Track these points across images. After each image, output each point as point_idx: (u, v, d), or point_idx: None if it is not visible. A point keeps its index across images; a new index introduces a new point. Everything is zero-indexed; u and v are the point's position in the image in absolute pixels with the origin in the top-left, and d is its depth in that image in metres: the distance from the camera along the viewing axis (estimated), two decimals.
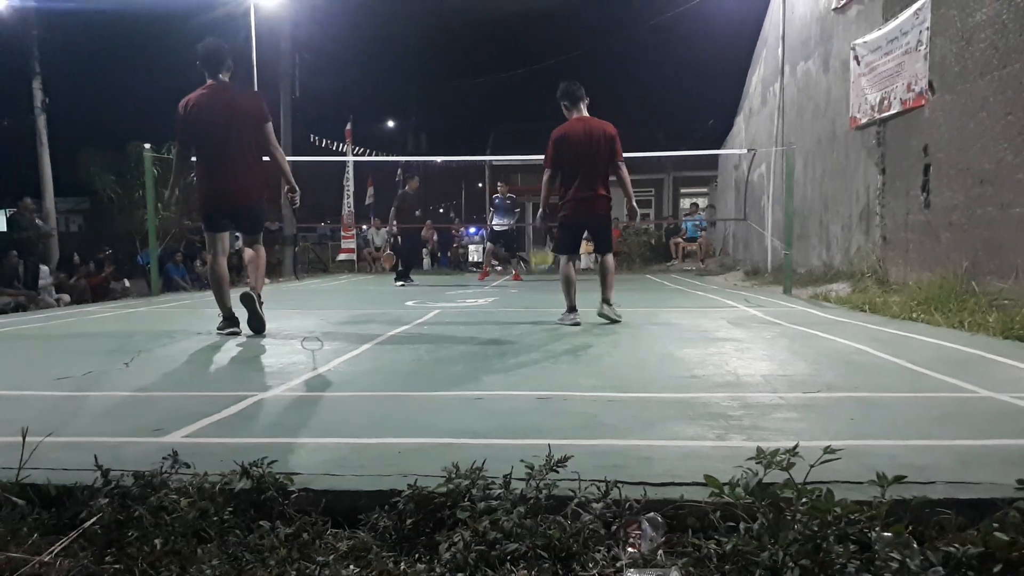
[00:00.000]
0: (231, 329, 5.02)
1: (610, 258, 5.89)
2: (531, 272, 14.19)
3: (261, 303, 5.00)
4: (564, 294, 5.75)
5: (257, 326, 4.96)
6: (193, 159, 5.04)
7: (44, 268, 11.13)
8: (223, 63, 4.86)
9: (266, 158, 5.05)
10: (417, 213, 12.92)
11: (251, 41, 17.23)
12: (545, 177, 5.76)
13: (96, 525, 1.64)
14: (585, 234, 5.93)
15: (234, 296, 5.04)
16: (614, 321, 5.61)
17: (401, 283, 11.53)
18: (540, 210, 5.94)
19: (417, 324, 5.80)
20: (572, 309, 5.67)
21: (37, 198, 15.21)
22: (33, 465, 1.88)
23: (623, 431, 2.46)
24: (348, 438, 2.41)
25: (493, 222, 13.22)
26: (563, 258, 5.95)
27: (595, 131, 5.58)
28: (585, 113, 5.72)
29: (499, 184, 13.62)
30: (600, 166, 5.59)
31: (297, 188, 5.20)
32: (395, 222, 12.01)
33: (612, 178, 5.76)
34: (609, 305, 5.68)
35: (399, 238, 12.57)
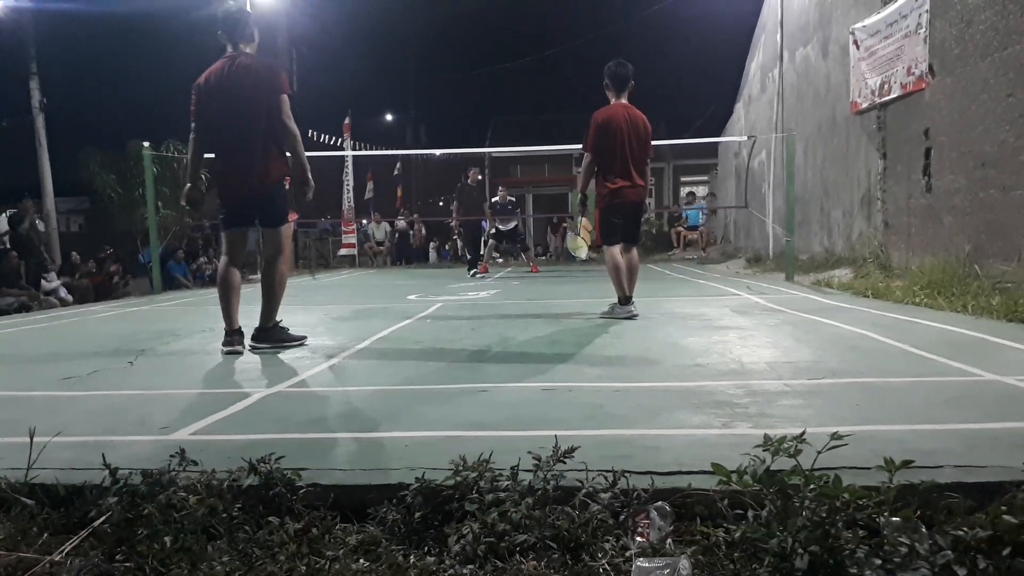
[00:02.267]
0: (232, 348, 4.19)
1: (636, 253, 5.68)
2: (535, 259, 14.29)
3: (275, 336, 4.35)
4: (615, 284, 5.44)
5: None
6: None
7: (53, 274, 11.14)
8: (245, 32, 4.24)
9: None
10: (491, 204, 12.89)
11: None
12: (585, 162, 5.50)
13: (106, 524, 1.64)
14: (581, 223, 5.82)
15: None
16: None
17: (474, 273, 11.66)
18: (579, 195, 5.71)
19: (420, 318, 5.80)
20: (628, 299, 5.40)
21: (37, 198, 15.21)
22: (41, 465, 1.88)
23: (629, 421, 2.46)
24: (355, 432, 2.41)
25: (498, 226, 13.22)
26: (612, 247, 5.49)
27: (637, 119, 5.41)
28: (625, 100, 5.48)
29: (500, 188, 13.60)
30: (639, 155, 5.39)
31: (311, 183, 4.36)
32: (457, 214, 12.22)
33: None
34: (631, 302, 5.50)
35: (462, 230, 12.69)
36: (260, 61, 4.26)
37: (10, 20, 16.14)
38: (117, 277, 12.66)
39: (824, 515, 1.47)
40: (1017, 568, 1.38)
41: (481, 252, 13.24)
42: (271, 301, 4.32)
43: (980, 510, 1.54)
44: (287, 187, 4.43)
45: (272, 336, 4.34)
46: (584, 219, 6.12)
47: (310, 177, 4.35)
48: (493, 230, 12.91)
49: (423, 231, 21.00)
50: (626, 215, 5.51)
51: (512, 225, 13.19)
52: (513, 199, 13.72)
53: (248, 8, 4.47)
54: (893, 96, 7.76)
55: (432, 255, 20.29)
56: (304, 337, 4.49)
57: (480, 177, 12.68)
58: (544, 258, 19.28)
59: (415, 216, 22.29)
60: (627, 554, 1.52)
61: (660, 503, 1.66)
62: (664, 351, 3.91)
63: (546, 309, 6.25)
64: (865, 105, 8.52)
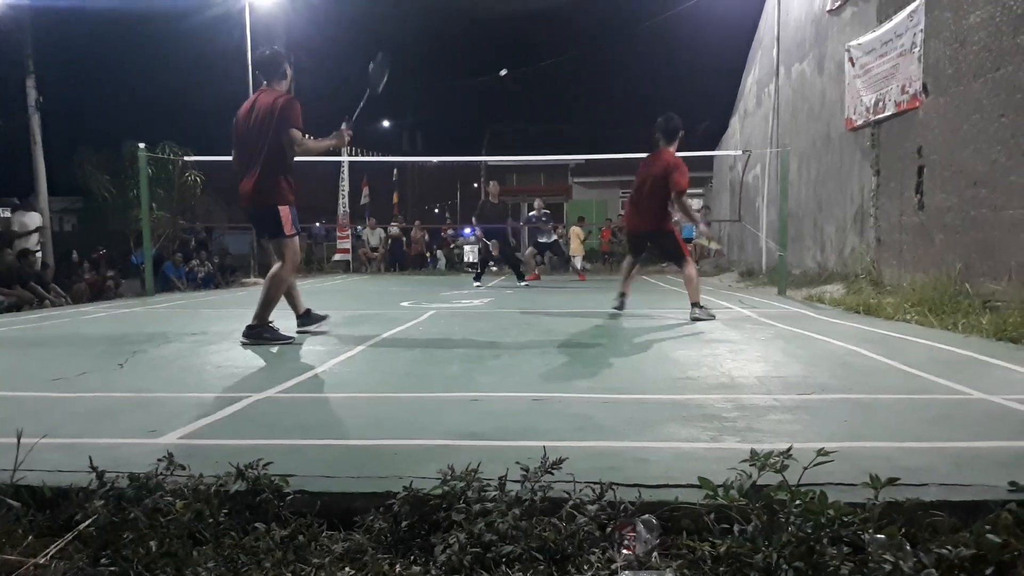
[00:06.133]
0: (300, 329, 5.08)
1: (687, 269, 6.44)
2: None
3: (257, 333, 4.68)
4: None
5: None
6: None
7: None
8: (268, 71, 4.82)
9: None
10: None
11: (246, 40, 17.22)
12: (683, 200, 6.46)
13: (91, 527, 1.64)
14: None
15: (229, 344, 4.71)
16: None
17: (478, 284, 11.62)
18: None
19: (412, 325, 5.80)
20: (694, 304, 6.15)
21: (30, 198, 15.14)
22: (28, 467, 1.87)
23: (618, 433, 2.46)
24: (343, 440, 2.41)
25: (538, 239, 13.33)
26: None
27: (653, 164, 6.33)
28: (670, 147, 6.45)
29: (536, 201, 13.70)
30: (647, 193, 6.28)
31: (340, 140, 4.96)
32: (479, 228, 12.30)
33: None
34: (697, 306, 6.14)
35: (488, 244, 12.73)
36: (277, 96, 4.71)
37: (7, 19, 16.11)
38: (111, 282, 12.60)
39: (809, 531, 1.48)
40: None
41: (489, 265, 13.30)
42: (262, 301, 4.72)
43: (964, 529, 1.56)
44: (282, 208, 4.75)
45: (256, 334, 4.68)
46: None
47: (331, 143, 4.93)
48: (511, 241, 12.90)
49: (426, 237, 20.95)
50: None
51: (553, 238, 13.33)
52: (548, 211, 13.82)
53: (280, 49, 4.94)
54: (887, 114, 7.82)
55: (442, 262, 20.25)
56: (292, 338, 4.76)
57: (498, 191, 12.60)
58: (539, 268, 19.27)
59: (417, 222, 22.25)
60: (613, 567, 1.52)
61: (647, 516, 1.67)
62: (654, 363, 3.92)
63: (539, 319, 6.26)
64: (860, 122, 8.58)
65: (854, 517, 1.52)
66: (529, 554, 1.55)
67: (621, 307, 6.50)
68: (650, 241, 6.63)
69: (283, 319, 5.00)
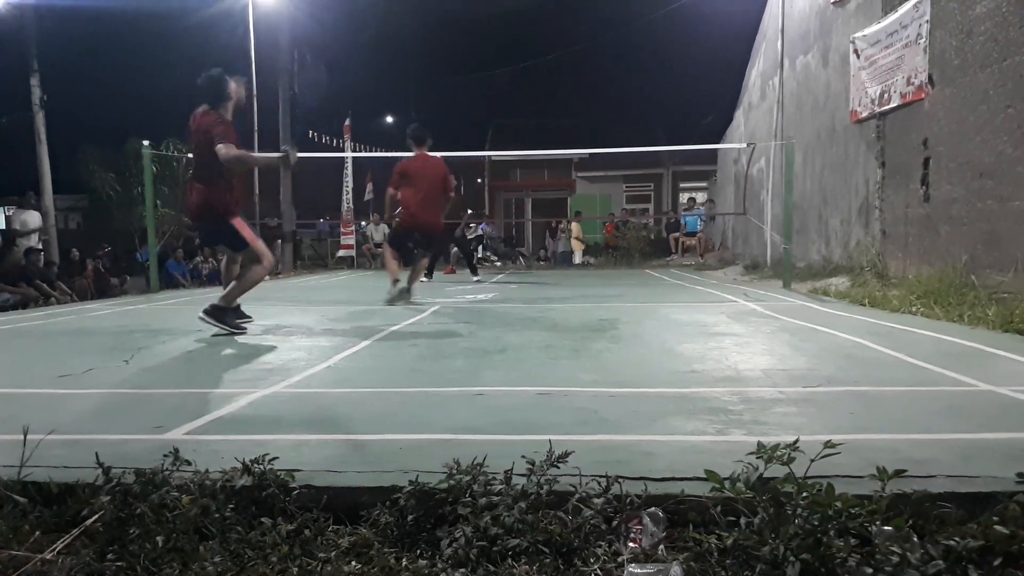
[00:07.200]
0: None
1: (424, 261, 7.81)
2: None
3: (219, 315, 4.90)
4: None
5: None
6: None
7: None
8: (213, 98, 4.99)
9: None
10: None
11: (249, 37, 17.24)
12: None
13: (98, 523, 1.64)
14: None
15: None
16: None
17: (477, 279, 11.75)
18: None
19: (417, 320, 5.80)
20: (395, 281, 7.13)
21: (36, 195, 15.19)
22: (35, 463, 1.88)
23: (623, 426, 2.46)
24: (349, 434, 2.41)
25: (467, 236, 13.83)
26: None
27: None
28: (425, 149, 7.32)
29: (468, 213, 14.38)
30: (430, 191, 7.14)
31: (273, 162, 5.86)
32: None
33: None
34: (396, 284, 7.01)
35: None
36: (211, 116, 4.90)
37: (11, 17, 16.13)
38: (116, 280, 12.63)
39: (816, 523, 1.47)
40: None
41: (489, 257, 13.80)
42: (233, 287, 4.96)
43: (972, 520, 1.55)
44: (235, 221, 4.96)
45: (218, 315, 4.89)
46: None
47: (268, 159, 5.97)
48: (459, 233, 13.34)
49: None
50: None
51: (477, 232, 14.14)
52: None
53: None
54: (892, 105, 7.78)
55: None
56: (244, 330, 5.00)
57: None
58: (544, 263, 19.27)
59: None
60: (619, 560, 1.52)
61: (653, 509, 1.66)
62: (660, 357, 3.92)
63: (542, 313, 6.25)
64: (865, 114, 8.54)
65: (861, 509, 1.52)
66: (535, 547, 1.55)
67: (407, 295, 7.04)
68: (422, 235, 7.30)
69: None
